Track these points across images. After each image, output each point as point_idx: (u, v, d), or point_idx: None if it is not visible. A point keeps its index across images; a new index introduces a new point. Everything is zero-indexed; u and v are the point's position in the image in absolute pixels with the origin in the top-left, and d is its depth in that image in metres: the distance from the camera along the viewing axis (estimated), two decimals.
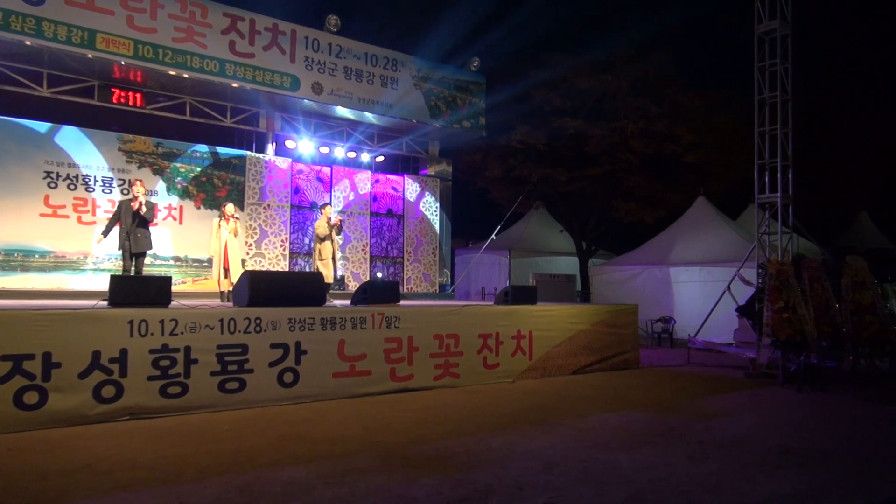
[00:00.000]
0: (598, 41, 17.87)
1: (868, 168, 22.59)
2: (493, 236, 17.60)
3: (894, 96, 23.23)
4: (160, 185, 12.71)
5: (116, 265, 11.74)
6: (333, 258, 10.67)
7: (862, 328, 9.61)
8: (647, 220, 18.52)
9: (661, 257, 15.79)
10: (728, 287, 11.47)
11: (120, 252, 9.54)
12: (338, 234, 10.92)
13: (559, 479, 4.33)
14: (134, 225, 9.29)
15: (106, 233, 9.61)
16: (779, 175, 10.59)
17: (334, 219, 10.91)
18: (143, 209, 9.30)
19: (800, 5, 10.92)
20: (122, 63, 11.27)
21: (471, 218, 23.86)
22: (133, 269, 9.46)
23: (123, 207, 9.34)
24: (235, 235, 10.35)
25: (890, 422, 6.64)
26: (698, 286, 14.33)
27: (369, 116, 14.59)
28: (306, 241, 14.31)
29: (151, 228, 9.75)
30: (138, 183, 9.67)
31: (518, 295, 9.64)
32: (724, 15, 18.48)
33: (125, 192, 12.01)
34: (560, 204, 20.08)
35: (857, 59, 23.45)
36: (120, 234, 9.32)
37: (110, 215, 9.50)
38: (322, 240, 10.59)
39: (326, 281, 10.16)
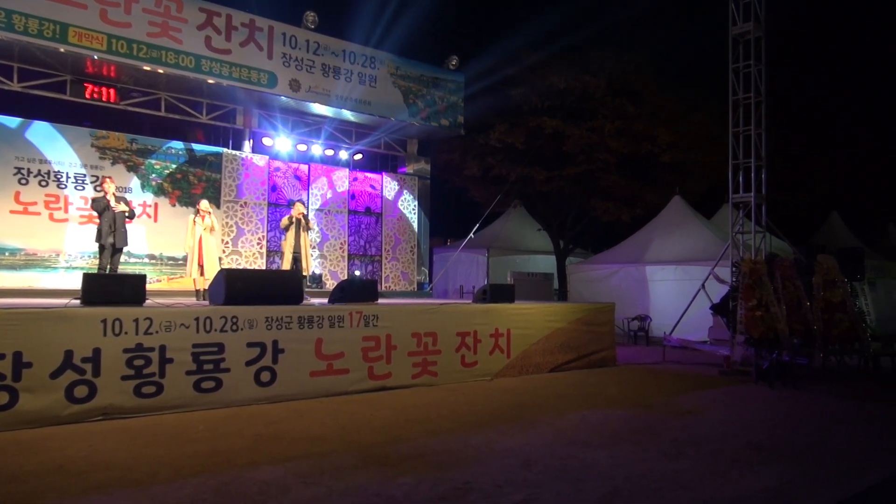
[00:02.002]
0: (577, 41, 17.99)
1: (839, 169, 23.04)
2: (471, 235, 17.65)
3: (865, 98, 23.73)
4: (134, 182, 12.54)
5: (90, 263, 11.56)
6: (297, 254, 10.70)
7: (832, 326, 9.78)
8: (624, 220, 18.67)
9: (638, 256, 15.93)
10: (703, 285, 11.61)
11: (97, 249, 9.45)
12: (306, 229, 10.96)
13: (537, 477, 4.35)
14: (118, 221, 9.33)
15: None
16: (752, 175, 10.75)
17: (297, 213, 10.93)
18: (125, 208, 9.44)
19: (773, 8, 11.10)
20: (95, 58, 11.10)
21: (449, 216, 23.92)
22: (109, 266, 9.38)
23: (103, 204, 9.29)
24: (211, 232, 10.27)
25: (859, 418, 6.78)
26: (674, 285, 14.49)
27: (347, 114, 14.53)
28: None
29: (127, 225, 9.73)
30: (108, 180, 9.59)
31: (496, 293, 9.67)
32: (700, 16, 18.70)
33: (99, 189, 11.83)
34: (538, 203, 20.17)
35: (828, 60, 23.89)
36: (103, 230, 9.26)
37: (92, 213, 9.42)
38: (284, 233, 10.88)
39: None
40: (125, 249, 9.84)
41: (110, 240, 9.26)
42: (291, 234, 10.70)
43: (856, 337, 9.88)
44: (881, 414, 7.02)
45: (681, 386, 8.57)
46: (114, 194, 9.48)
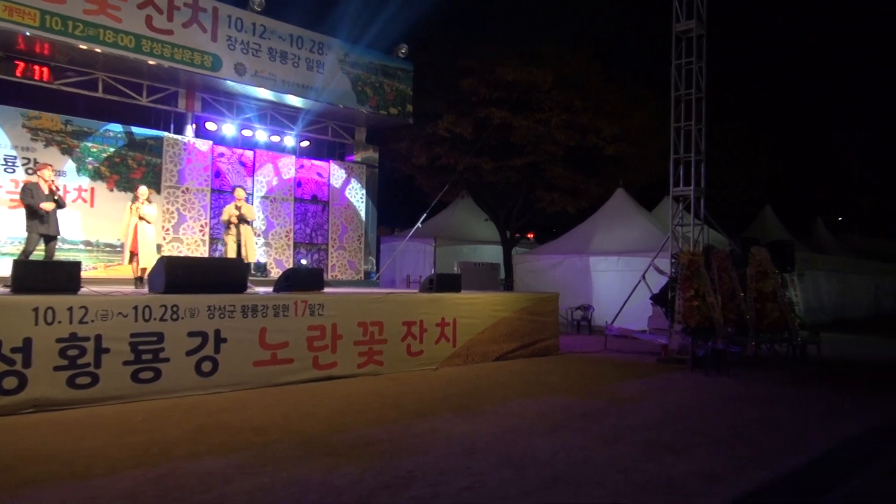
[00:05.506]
0: (526, 34, 18.12)
1: (772, 164, 24.00)
2: (418, 224, 17.61)
3: (797, 96, 24.71)
4: (69, 166, 12.03)
5: (28, 249, 11.07)
6: (239, 245, 10.63)
7: (764, 315, 10.22)
8: (569, 211, 19.00)
9: (582, 247, 16.24)
10: (643, 276, 11.93)
11: (28, 235, 9.02)
12: (240, 222, 10.92)
13: (480, 464, 4.42)
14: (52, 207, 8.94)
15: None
16: (692, 169, 11.08)
17: (235, 209, 10.90)
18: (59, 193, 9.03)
19: (714, 6, 11.42)
20: (27, 34, 10.58)
21: (397, 205, 23.84)
22: (45, 253, 9.05)
23: (35, 189, 8.88)
24: (150, 223, 10.06)
25: (788, 402, 7.11)
26: (616, 275, 14.84)
27: (294, 100, 14.28)
28: None
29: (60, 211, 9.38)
30: (49, 168, 9.24)
31: (443, 283, 9.72)
32: (645, 13, 19.10)
33: (30, 171, 11.32)
34: (485, 193, 20.33)
35: (762, 60, 24.78)
36: (33, 218, 8.85)
37: (19, 197, 8.97)
38: (226, 227, 10.87)
39: None
40: (58, 236, 9.47)
41: (42, 229, 8.83)
42: (233, 226, 10.65)
43: (785, 326, 10.33)
44: (808, 398, 7.38)
45: (620, 374, 8.81)
46: (50, 185, 9.04)
